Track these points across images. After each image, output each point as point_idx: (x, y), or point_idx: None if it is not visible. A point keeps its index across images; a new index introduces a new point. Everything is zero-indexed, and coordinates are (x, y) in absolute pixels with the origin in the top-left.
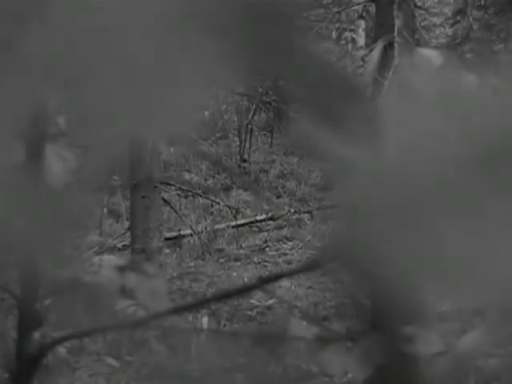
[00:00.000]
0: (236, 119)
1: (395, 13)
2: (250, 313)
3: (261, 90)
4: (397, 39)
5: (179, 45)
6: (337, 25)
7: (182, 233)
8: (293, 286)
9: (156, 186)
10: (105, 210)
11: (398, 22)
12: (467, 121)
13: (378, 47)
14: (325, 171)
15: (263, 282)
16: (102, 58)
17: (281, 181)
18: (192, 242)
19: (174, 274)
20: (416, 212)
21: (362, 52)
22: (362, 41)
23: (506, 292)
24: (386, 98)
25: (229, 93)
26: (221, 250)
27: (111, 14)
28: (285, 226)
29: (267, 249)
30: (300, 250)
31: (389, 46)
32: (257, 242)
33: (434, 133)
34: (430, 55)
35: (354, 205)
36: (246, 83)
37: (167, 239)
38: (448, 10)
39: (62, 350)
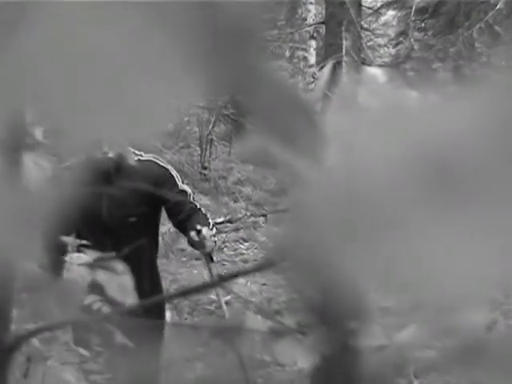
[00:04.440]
0: (197, 130)
1: (343, 34)
2: (209, 307)
3: (220, 103)
4: (345, 58)
5: (146, 57)
6: (290, 44)
7: None
8: (248, 283)
9: None
10: None
11: (345, 43)
12: (407, 134)
13: (328, 65)
14: (278, 178)
15: (221, 280)
16: (70, 71)
17: (238, 187)
18: None
19: None
20: (358, 219)
21: (313, 69)
22: (313, 59)
23: (439, 291)
24: (331, 112)
25: (191, 105)
26: (183, 250)
27: (82, 28)
28: (241, 228)
29: (225, 249)
30: (255, 250)
31: (337, 64)
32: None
33: (376, 145)
34: (375, 73)
35: (300, 211)
36: (206, 96)
37: None
38: (392, 32)
39: (34, 340)
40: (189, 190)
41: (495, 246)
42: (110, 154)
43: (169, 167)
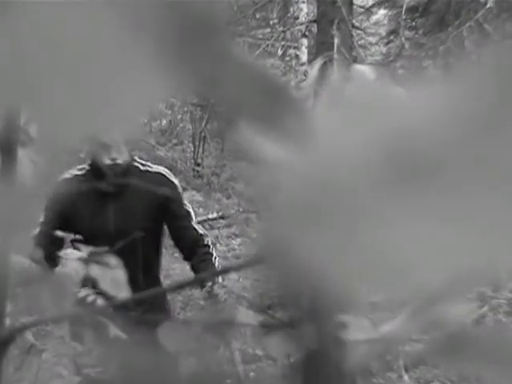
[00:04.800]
0: (190, 127)
1: (334, 32)
2: (201, 302)
3: (212, 101)
4: (336, 56)
5: (124, 57)
6: (282, 43)
7: None
8: (240, 279)
9: None
10: None
11: (337, 41)
12: (389, 128)
13: (318, 62)
14: (256, 173)
15: (214, 275)
16: (53, 69)
17: (231, 183)
18: None
19: None
20: (339, 209)
21: (305, 67)
22: (304, 57)
23: (420, 283)
24: (319, 106)
25: (184, 103)
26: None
27: (62, 27)
28: (234, 224)
29: (218, 245)
30: (247, 246)
31: (329, 62)
32: None
33: (359, 138)
34: (365, 70)
35: (280, 204)
36: (179, 92)
37: None
38: (383, 31)
39: (29, 334)
40: (192, 212)
41: (468, 235)
42: (119, 161)
43: (177, 183)
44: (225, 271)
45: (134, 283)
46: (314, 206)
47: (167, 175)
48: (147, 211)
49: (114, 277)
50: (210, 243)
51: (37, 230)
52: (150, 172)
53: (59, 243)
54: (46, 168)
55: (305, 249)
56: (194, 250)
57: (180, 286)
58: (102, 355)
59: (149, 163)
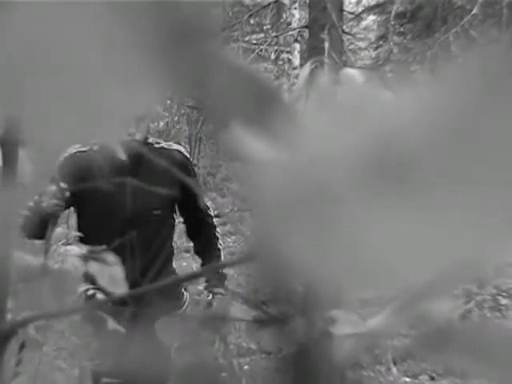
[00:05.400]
0: (187, 129)
1: (325, 37)
2: (197, 297)
3: (208, 104)
4: (326, 60)
5: (115, 60)
6: (275, 47)
7: None
8: (235, 275)
9: None
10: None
11: (327, 46)
12: (375, 129)
13: (308, 66)
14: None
15: (209, 270)
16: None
17: (225, 183)
18: None
19: None
20: (325, 207)
21: (297, 71)
22: (297, 61)
23: (405, 280)
24: (308, 108)
25: (180, 106)
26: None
27: (52, 30)
28: (228, 222)
29: None
30: (241, 243)
31: (319, 66)
32: None
33: (346, 139)
34: (354, 74)
35: (269, 203)
36: (170, 95)
37: None
38: (372, 36)
39: (30, 328)
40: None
41: (452, 232)
42: (137, 136)
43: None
44: (219, 267)
45: (148, 263)
46: (302, 205)
47: (183, 152)
48: (165, 188)
49: (111, 273)
50: (215, 224)
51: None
52: (166, 149)
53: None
54: (45, 167)
55: (292, 246)
56: (200, 229)
57: (177, 282)
58: (100, 348)
59: (162, 141)
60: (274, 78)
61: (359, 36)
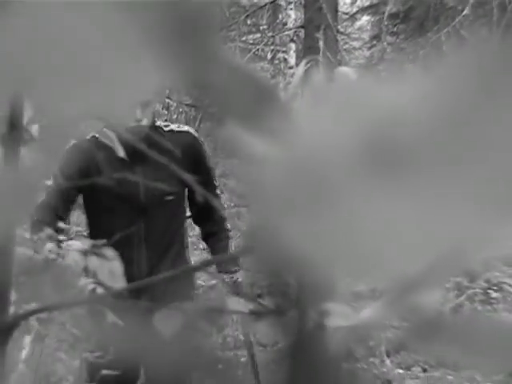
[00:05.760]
0: None
1: (320, 37)
2: (195, 291)
3: (206, 102)
4: (321, 59)
5: (121, 53)
6: (271, 47)
7: None
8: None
9: None
10: None
11: (322, 45)
12: (370, 120)
13: (302, 64)
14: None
15: (207, 265)
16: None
17: (223, 179)
18: None
19: None
20: (320, 200)
21: (293, 70)
22: (293, 61)
23: (397, 270)
24: (303, 104)
25: (179, 104)
26: None
27: (59, 23)
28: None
29: None
30: (238, 239)
31: (314, 64)
32: None
33: (340, 131)
34: (346, 71)
35: (265, 197)
36: (173, 86)
37: None
38: (366, 36)
39: (33, 320)
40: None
41: (445, 221)
42: (144, 122)
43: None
44: (216, 261)
45: (162, 249)
46: (297, 198)
47: (193, 133)
48: (176, 172)
49: (111, 268)
50: (224, 216)
51: (43, 200)
52: (175, 131)
53: (64, 213)
54: (47, 163)
55: (288, 239)
56: (207, 216)
57: (176, 276)
58: (100, 340)
59: (171, 123)
60: (270, 76)
61: (353, 36)
